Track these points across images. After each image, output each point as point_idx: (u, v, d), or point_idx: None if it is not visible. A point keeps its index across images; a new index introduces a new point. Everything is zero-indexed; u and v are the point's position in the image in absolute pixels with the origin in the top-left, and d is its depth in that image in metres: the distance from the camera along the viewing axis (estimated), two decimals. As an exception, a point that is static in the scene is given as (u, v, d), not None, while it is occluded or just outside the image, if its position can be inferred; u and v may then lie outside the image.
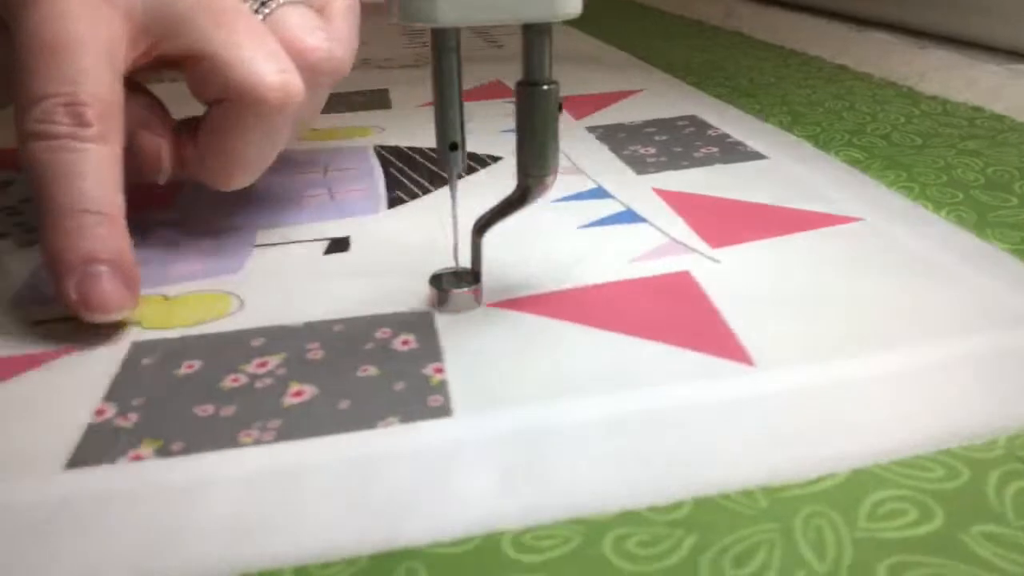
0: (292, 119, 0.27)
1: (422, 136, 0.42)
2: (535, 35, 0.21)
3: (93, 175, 0.23)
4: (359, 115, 0.47)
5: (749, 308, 0.24)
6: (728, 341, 0.22)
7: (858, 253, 0.27)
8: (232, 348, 0.23)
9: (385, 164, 0.38)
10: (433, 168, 0.37)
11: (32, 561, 0.16)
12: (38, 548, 0.16)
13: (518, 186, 0.23)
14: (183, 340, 0.24)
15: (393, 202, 0.33)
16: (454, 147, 0.23)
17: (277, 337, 0.24)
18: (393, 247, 0.29)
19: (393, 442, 0.19)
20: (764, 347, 0.22)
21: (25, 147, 0.23)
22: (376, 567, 0.16)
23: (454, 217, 0.25)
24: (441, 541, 0.16)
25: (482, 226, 0.25)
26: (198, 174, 0.28)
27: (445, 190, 0.34)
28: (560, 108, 0.22)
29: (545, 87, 0.22)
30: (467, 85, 0.52)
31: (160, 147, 0.27)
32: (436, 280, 0.25)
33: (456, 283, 0.25)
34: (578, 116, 0.44)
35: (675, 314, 0.24)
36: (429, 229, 0.30)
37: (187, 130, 0.28)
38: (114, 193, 0.24)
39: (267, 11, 0.28)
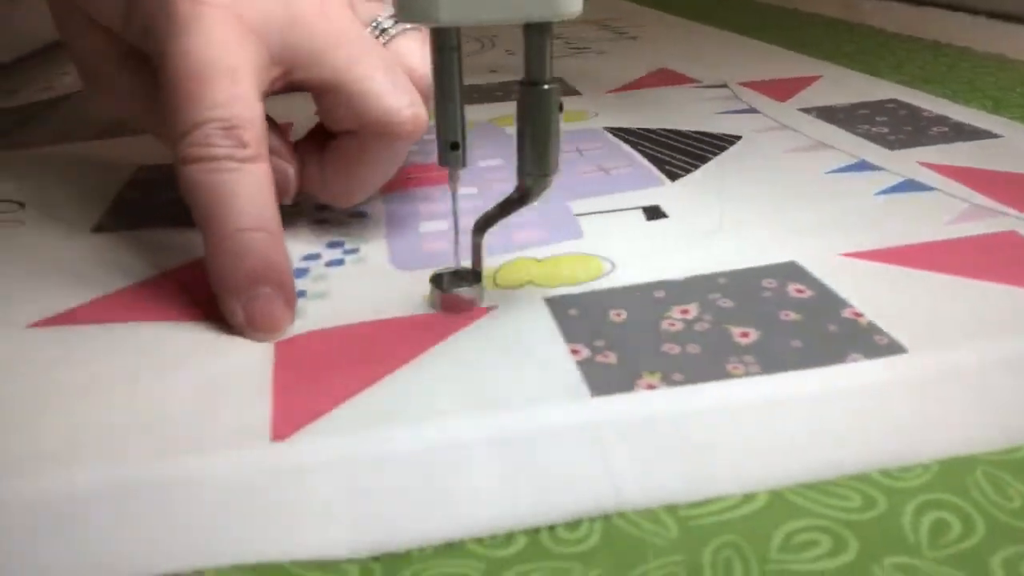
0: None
1: (636, 119, 0.44)
2: (536, 34, 0.21)
3: (252, 194, 0.24)
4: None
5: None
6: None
7: None
8: (641, 299, 0.25)
9: (630, 144, 0.40)
10: (685, 146, 0.39)
11: (622, 471, 0.18)
12: (604, 462, 0.18)
13: (518, 185, 0.23)
14: (590, 295, 0.26)
15: (672, 176, 0.35)
16: (455, 147, 0.23)
17: (673, 289, 0.26)
18: (707, 211, 0.31)
19: (873, 374, 0.21)
20: None
21: (184, 171, 0.24)
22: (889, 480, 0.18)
23: (455, 216, 0.25)
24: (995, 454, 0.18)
25: (482, 226, 0.25)
26: (319, 193, 0.30)
27: (712, 165, 0.36)
28: (561, 108, 0.22)
29: (546, 87, 0.22)
30: (634, 74, 0.55)
31: (288, 172, 0.28)
32: (437, 280, 0.25)
33: (457, 283, 0.25)
34: (782, 98, 0.46)
35: (1032, 266, 0.26)
36: (726, 193, 0.33)
37: (305, 152, 0.29)
38: (272, 210, 0.25)
39: (386, 39, 0.28)
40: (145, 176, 0.37)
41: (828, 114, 0.43)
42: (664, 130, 0.42)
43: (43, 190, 0.36)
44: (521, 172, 0.23)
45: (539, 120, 0.22)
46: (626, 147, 0.39)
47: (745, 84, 0.50)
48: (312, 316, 0.25)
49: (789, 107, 0.45)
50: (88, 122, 0.47)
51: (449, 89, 0.22)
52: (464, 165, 0.23)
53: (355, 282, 0.27)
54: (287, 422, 0.20)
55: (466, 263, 0.25)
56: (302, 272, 0.28)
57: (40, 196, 0.35)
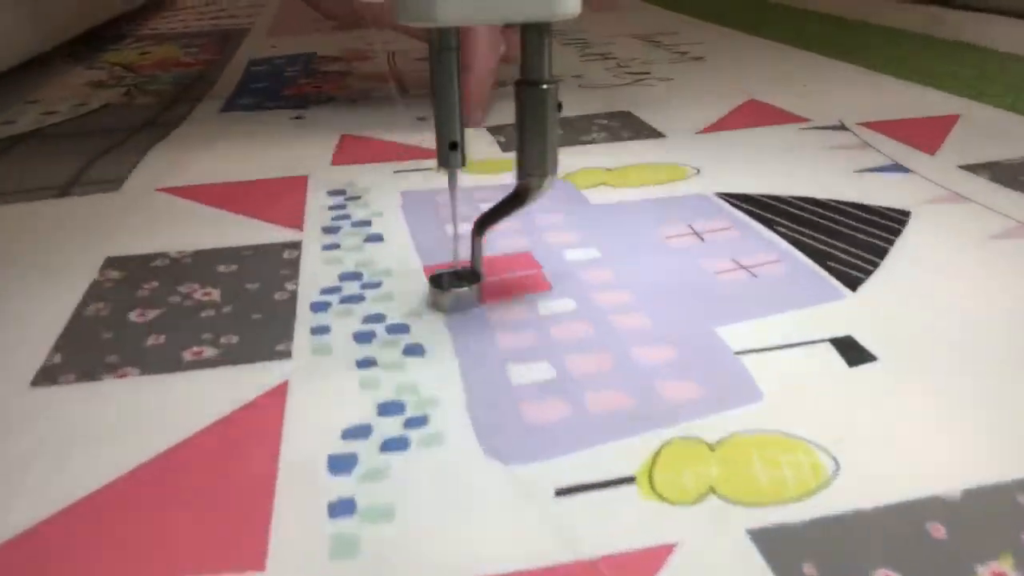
0: None
1: (751, 178, 0.34)
2: (534, 35, 0.21)
3: None
4: (634, 146, 0.39)
5: None
6: None
7: None
8: (914, 542, 0.15)
9: (762, 221, 0.30)
10: (840, 227, 0.29)
11: None
12: None
13: (518, 186, 0.23)
14: (824, 527, 0.16)
15: (849, 281, 0.25)
16: (454, 146, 0.23)
17: (957, 517, 0.16)
18: (927, 346, 0.22)
19: None
20: None
21: None
22: None
23: (454, 215, 0.24)
24: None
25: (481, 225, 0.24)
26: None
27: (897, 258, 0.27)
28: (560, 108, 0.22)
29: (544, 86, 0.22)
30: (719, 108, 0.45)
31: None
32: (436, 280, 0.24)
33: (457, 283, 0.24)
34: (928, 149, 0.37)
35: None
36: (938, 315, 0.23)
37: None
38: None
39: None
40: (114, 278, 0.27)
41: (1005, 175, 0.33)
42: (798, 199, 0.32)
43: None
44: (521, 173, 0.23)
45: (538, 120, 0.22)
46: (760, 227, 0.30)
47: (866, 124, 0.41)
48: (368, 555, 0.15)
49: (945, 163, 0.35)
50: (53, 167, 0.37)
51: (448, 90, 0.22)
52: (463, 164, 0.23)
53: (432, 483, 0.17)
54: None
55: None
56: (344, 463, 0.18)
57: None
